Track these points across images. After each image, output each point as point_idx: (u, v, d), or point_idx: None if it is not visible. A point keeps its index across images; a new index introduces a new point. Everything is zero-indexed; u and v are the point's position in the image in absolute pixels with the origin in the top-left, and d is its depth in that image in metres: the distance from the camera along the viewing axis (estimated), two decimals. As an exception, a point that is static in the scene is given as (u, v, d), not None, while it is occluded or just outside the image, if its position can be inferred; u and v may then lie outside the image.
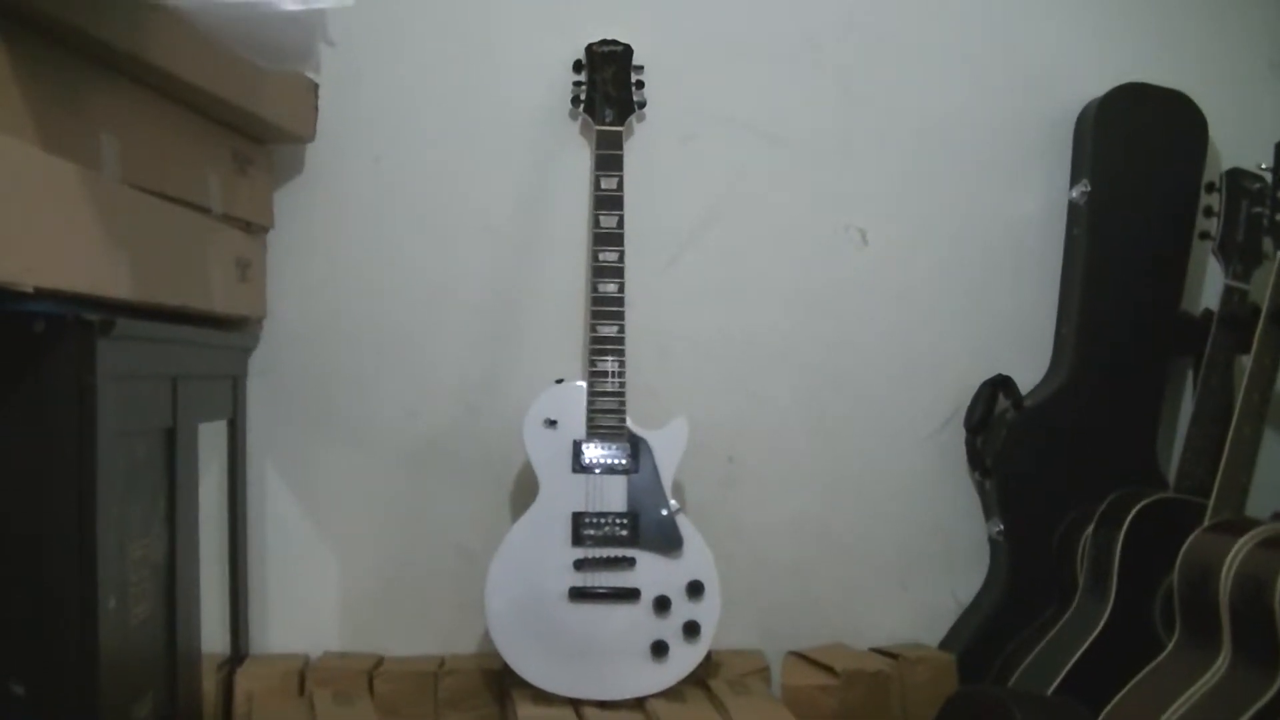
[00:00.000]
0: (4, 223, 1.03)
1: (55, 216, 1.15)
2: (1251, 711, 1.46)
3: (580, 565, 1.74)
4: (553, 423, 1.77)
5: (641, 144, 1.94)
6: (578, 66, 1.91)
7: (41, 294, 1.09)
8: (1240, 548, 1.56)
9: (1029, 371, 2.03)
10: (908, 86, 2.03)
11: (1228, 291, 1.88)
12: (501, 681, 1.80)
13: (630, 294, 1.80)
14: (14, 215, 1.06)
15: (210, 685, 1.68)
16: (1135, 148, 1.99)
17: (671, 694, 1.75)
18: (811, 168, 2.01)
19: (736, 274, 2.00)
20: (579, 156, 1.94)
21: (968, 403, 2.01)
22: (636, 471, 1.77)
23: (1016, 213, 2.05)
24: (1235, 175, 1.90)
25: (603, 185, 1.83)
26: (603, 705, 1.72)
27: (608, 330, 1.79)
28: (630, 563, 1.75)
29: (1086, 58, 2.04)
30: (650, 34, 1.93)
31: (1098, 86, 2.00)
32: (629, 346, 1.79)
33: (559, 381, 1.81)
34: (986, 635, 1.95)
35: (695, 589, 1.75)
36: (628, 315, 1.79)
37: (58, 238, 1.15)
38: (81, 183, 1.19)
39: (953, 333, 2.04)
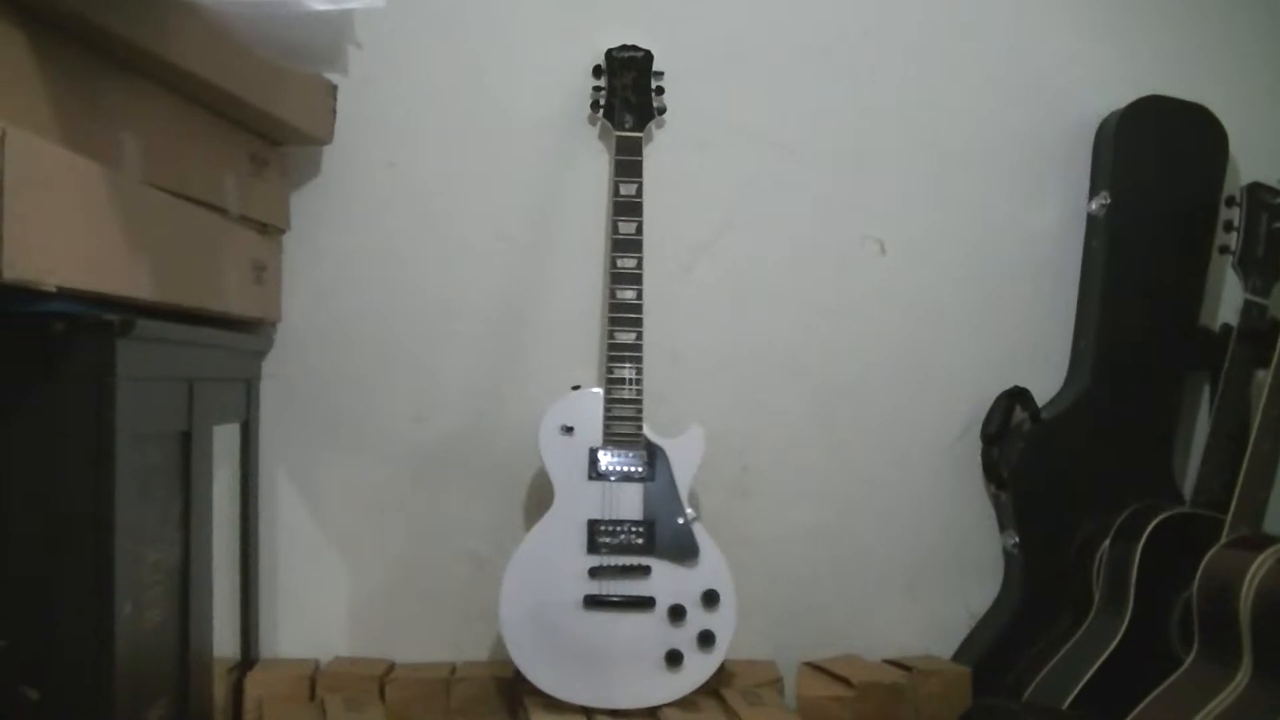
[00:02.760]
0: (27, 221, 1.02)
1: (77, 215, 1.14)
2: (1273, 728, 1.46)
3: (595, 573, 1.73)
4: (569, 429, 1.76)
5: (658, 151, 1.93)
6: (597, 72, 1.90)
7: (62, 293, 1.08)
8: (1261, 564, 1.55)
9: (1046, 383, 2.02)
10: (925, 98, 2.02)
11: (1247, 306, 1.87)
12: (514, 689, 1.78)
13: (645, 301, 1.79)
14: (37, 213, 1.05)
15: (220, 690, 1.67)
16: (1155, 160, 1.98)
17: (685, 704, 1.73)
18: (829, 177, 2.00)
19: (752, 282, 1.99)
20: (597, 162, 1.93)
21: (983, 414, 2.00)
22: (652, 479, 1.76)
23: (1034, 224, 2.04)
24: (1255, 189, 1.89)
25: (622, 191, 1.82)
26: (615, 714, 1.71)
27: (625, 337, 1.78)
28: (645, 571, 1.74)
29: (1106, 70, 2.04)
30: (666, 42, 1.92)
31: (1117, 99, 2.00)
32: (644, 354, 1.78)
33: (575, 388, 1.80)
34: (1000, 648, 1.94)
35: (710, 598, 1.74)
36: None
37: (80, 236, 1.14)
38: (103, 181, 1.19)
39: (969, 344, 2.03)
